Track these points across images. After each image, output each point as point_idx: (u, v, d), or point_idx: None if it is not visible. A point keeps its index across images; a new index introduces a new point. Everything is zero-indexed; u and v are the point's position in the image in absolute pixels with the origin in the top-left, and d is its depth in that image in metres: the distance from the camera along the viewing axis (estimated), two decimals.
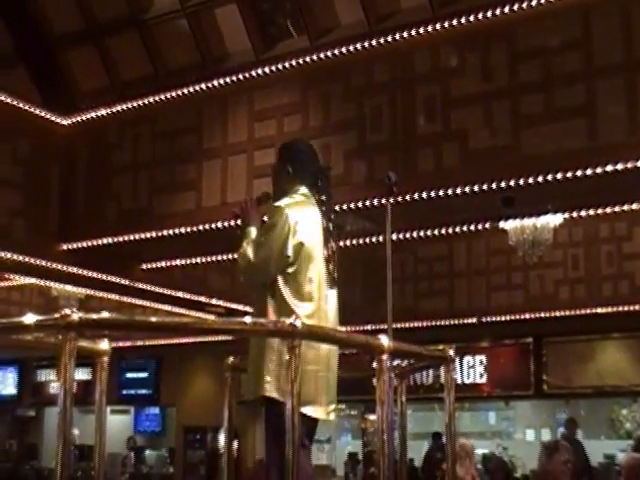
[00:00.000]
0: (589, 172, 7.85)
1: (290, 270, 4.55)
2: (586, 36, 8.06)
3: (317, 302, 4.59)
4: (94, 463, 3.96)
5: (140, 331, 3.46)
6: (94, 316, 3.30)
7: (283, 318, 4.25)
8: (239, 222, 4.90)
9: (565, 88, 8.05)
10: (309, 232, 4.63)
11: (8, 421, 22.70)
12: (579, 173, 7.89)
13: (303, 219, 4.63)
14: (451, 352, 4.43)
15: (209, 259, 11.89)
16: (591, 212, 10.02)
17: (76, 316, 3.08)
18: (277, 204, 4.67)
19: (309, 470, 4.51)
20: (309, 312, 4.46)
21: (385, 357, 3.69)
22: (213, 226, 9.87)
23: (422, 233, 11.01)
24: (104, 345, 4.01)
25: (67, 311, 3.09)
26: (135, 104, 10.72)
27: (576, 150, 7.97)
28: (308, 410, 4.34)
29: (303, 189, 4.79)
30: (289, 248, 4.54)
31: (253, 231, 4.75)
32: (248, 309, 4.63)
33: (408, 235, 10.99)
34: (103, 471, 4.01)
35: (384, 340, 3.75)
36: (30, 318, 3.29)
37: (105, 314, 3.58)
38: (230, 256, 10.69)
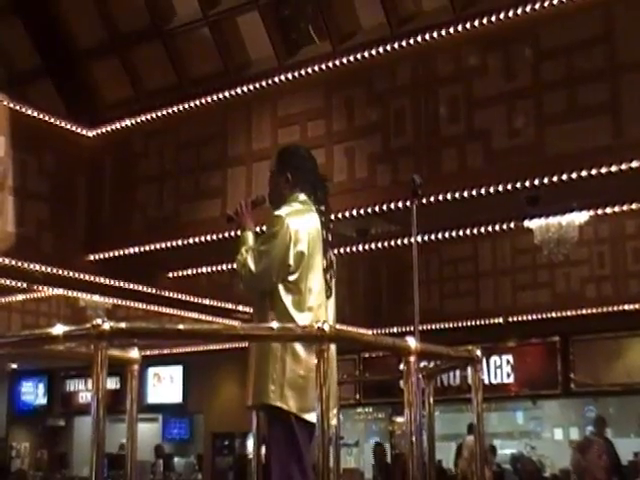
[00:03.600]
0: (614, 169, 7.83)
1: (291, 279, 4.53)
2: (609, 33, 8.04)
3: (315, 312, 4.56)
4: (126, 471, 3.98)
5: (170, 339, 3.49)
6: (125, 325, 3.33)
7: None
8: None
9: (589, 85, 8.03)
10: (310, 241, 4.60)
11: (39, 431, 22.83)
12: (604, 170, 7.87)
13: (304, 228, 4.60)
14: (478, 352, 4.42)
15: (235, 266, 11.90)
16: (616, 209, 9.97)
17: (107, 325, 3.10)
18: (277, 213, 4.62)
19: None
20: (308, 322, 4.39)
21: (412, 359, 3.68)
22: (239, 233, 9.89)
23: (447, 234, 11.01)
24: (134, 354, 4.04)
25: (98, 321, 3.12)
26: (159, 114, 10.78)
27: (601, 147, 7.95)
28: (312, 417, 4.30)
29: (302, 196, 4.76)
30: (290, 257, 4.51)
31: (250, 236, 4.72)
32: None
33: (433, 237, 10.98)
34: (135, 478, 4.03)
35: (411, 342, 3.74)
36: (62, 329, 3.31)
37: (135, 323, 3.60)
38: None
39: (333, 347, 4.06)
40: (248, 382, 4.57)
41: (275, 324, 4.33)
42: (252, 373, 4.54)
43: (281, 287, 4.51)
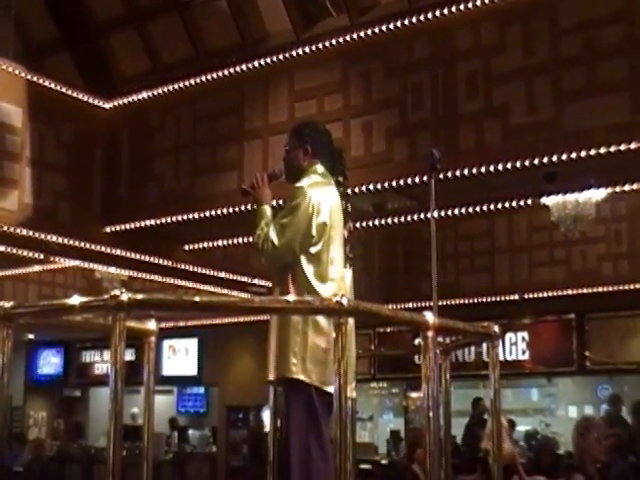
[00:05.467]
0: (633, 146, 7.78)
1: (313, 250, 4.56)
2: (629, 8, 7.97)
3: (338, 283, 4.60)
4: (143, 443, 3.99)
5: (187, 311, 3.49)
6: (143, 296, 3.33)
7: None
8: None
9: (608, 61, 7.97)
10: (331, 212, 4.64)
11: (55, 401, 23.02)
12: (622, 147, 7.82)
13: (325, 199, 4.64)
14: (496, 329, 4.41)
15: (251, 239, 11.90)
16: (634, 186, 9.91)
17: (125, 297, 3.10)
18: (299, 185, 4.66)
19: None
20: (331, 293, 4.42)
21: (430, 334, 3.68)
22: (255, 206, 9.88)
23: (464, 210, 10.98)
24: (152, 325, 4.04)
25: (116, 292, 3.12)
26: (176, 86, 10.76)
27: (619, 124, 7.89)
28: (333, 390, 4.32)
29: (320, 168, 4.79)
30: (313, 228, 4.55)
31: (268, 209, 4.74)
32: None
33: (450, 212, 10.96)
34: (152, 450, 4.04)
35: (429, 316, 3.73)
36: (80, 299, 3.32)
37: (153, 294, 3.60)
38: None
39: (352, 321, 4.07)
40: (269, 357, 4.58)
41: (292, 297, 4.34)
42: (273, 347, 4.54)
43: (303, 259, 4.52)
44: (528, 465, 12.14)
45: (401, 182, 8.96)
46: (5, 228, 10.29)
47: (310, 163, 4.79)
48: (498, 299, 14.54)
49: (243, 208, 9.87)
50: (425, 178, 7.89)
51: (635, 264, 13.22)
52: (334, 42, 9.57)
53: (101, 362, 21.59)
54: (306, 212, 4.54)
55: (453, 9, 8.78)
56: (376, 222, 11.40)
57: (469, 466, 11.86)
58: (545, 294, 14.13)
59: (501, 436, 4.58)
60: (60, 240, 10.96)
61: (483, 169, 8.53)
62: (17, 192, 10.36)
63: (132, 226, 11.14)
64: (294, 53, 9.86)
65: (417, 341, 3.75)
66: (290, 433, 4.41)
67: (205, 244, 12.48)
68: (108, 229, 11.26)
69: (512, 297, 14.38)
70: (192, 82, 10.65)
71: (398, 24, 9.12)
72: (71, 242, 11.11)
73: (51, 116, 10.81)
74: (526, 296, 14.26)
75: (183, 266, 12.94)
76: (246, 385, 18.37)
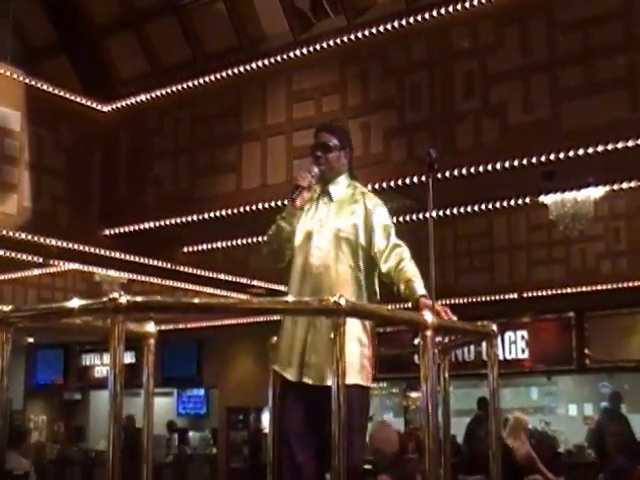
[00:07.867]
0: (631, 144, 7.79)
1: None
2: (627, 6, 7.98)
3: None
4: (143, 445, 4.00)
5: (186, 313, 3.49)
6: (142, 299, 3.33)
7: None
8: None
9: (605, 60, 7.97)
10: None
11: (55, 404, 23.01)
12: (620, 145, 7.83)
13: None
14: (494, 327, 4.42)
15: (250, 241, 11.94)
16: (633, 184, 9.92)
17: (124, 299, 3.10)
18: (368, 190, 4.86)
19: None
20: None
21: (429, 333, 3.70)
22: (253, 208, 9.92)
23: (462, 209, 10.98)
24: (150, 327, 4.05)
25: (115, 295, 3.12)
26: (174, 89, 10.78)
27: (617, 122, 7.90)
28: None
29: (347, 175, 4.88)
30: None
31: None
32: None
33: (448, 212, 10.97)
34: (152, 453, 4.05)
35: (428, 316, 3.76)
36: (79, 302, 3.32)
37: (152, 297, 3.59)
38: None
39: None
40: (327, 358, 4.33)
41: (290, 297, 4.35)
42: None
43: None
44: None
45: (399, 182, 8.98)
46: (4, 232, 10.29)
47: (347, 166, 4.90)
48: (497, 298, 14.53)
49: (242, 210, 9.90)
50: (423, 178, 7.93)
51: (634, 262, 13.21)
52: (331, 43, 9.59)
53: (101, 365, 21.58)
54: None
55: (450, 9, 8.79)
56: None
57: (469, 465, 11.86)
58: (544, 292, 14.12)
59: (501, 436, 4.59)
60: (59, 243, 10.96)
61: (481, 168, 8.54)
62: (16, 196, 10.37)
63: (131, 229, 11.14)
64: (292, 54, 9.88)
65: (416, 341, 3.75)
66: (354, 435, 4.28)
67: (204, 246, 12.48)
68: (107, 232, 11.27)
69: (511, 296, 14.38)
70: (190, 84, 10.66)
71: (395, 24, 9.14)
72: (70, 245, 11.12)
73: (49, 119, 10.81)
74: (525, 295, 14.24)
75: (182, 268, 12.95)
76: (246, 386, 18.37)
